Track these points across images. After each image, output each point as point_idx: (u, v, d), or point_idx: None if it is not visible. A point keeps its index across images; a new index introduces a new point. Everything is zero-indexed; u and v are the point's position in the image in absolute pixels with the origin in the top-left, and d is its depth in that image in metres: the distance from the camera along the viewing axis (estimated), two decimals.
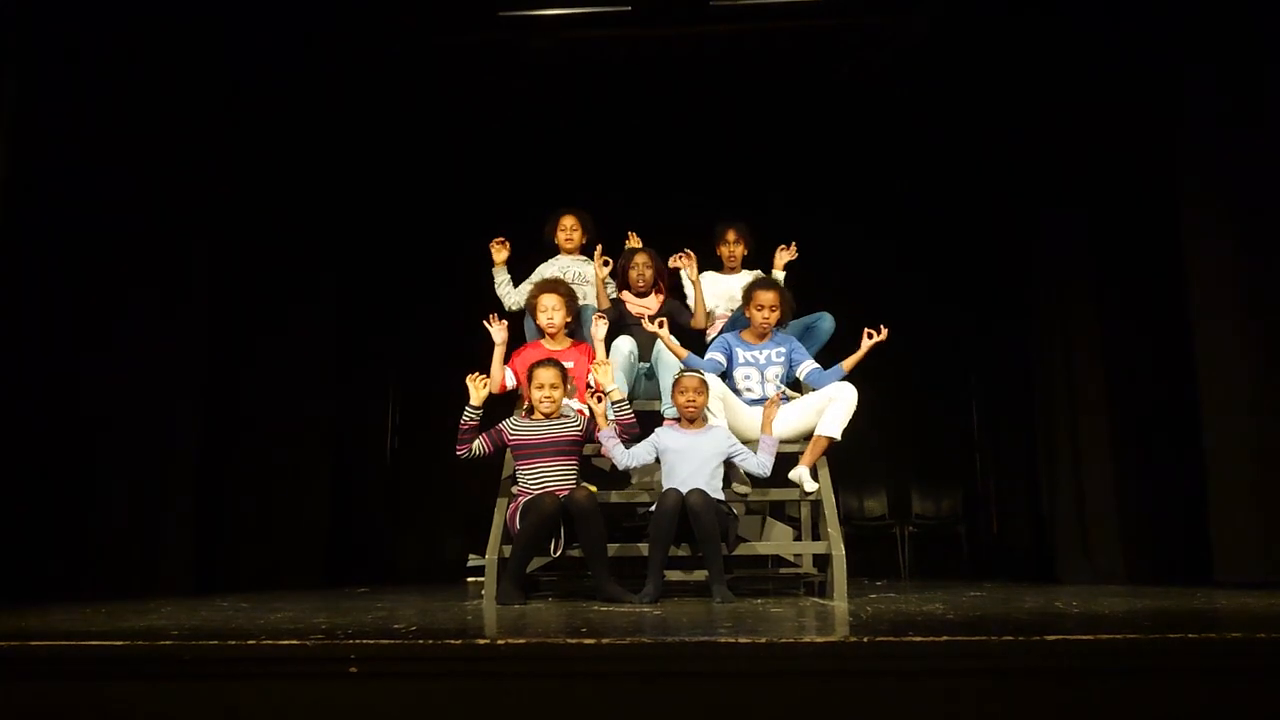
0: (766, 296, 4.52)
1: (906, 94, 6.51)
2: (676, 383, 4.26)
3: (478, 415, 4.21)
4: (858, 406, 4.33)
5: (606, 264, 5.01)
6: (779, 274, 4.97)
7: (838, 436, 4.31)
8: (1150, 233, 5.15)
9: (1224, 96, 4.75)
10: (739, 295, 4.80)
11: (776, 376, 4.54)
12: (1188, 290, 4.78)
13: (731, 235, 5.16)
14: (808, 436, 4.39)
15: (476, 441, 4.20)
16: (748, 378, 4.54)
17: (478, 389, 4.22)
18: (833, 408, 4.29)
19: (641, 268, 5.04)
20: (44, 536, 4.35)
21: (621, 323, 4.96)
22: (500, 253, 5.03)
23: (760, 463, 4.22)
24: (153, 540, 4.74)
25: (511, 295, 5.06)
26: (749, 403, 4.48)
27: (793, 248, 5.06)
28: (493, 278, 5.07)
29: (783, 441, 4.41)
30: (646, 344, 4.78)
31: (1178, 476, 4.99)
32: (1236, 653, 2.21)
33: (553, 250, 5.28)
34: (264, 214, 5.77)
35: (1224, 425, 4.62)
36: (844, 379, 4.43)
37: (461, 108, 6.79)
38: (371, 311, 6.98)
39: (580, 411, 4.41)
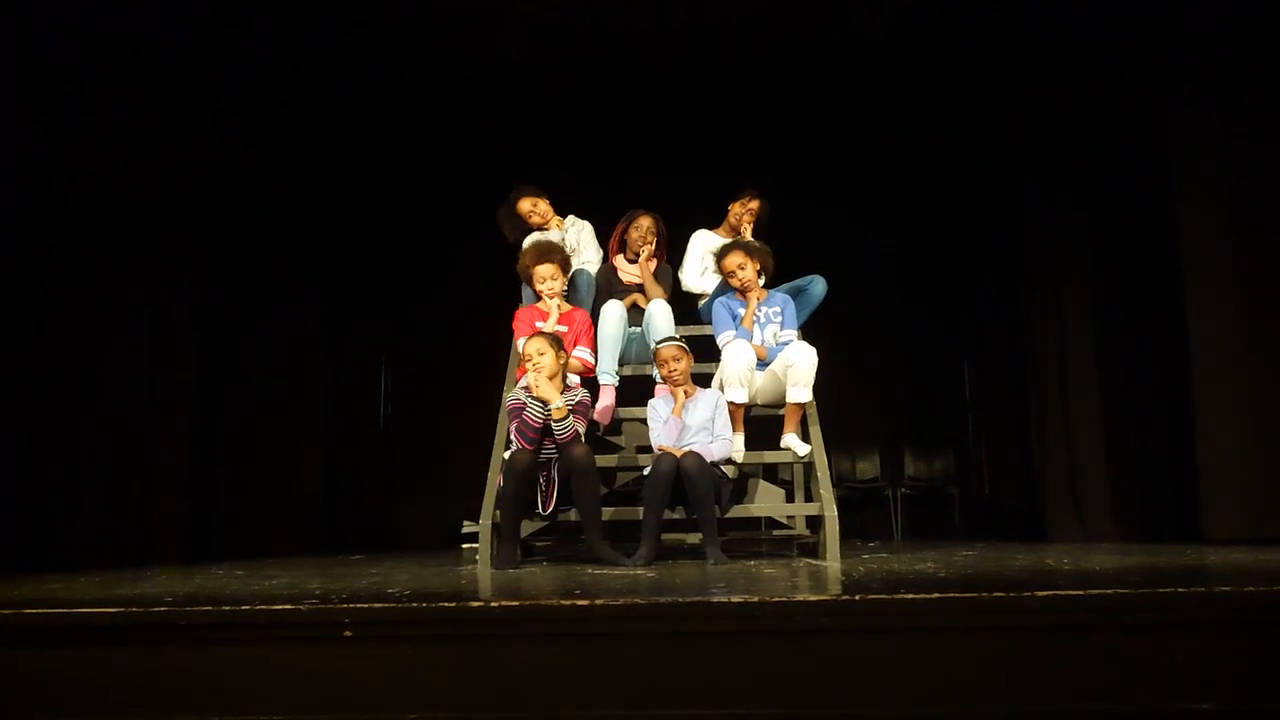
0: (728, 262, 4.58)
1: (900, 62, 6.43)
2: (655, 354, 4.27)
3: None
4: (850, 369, 4.34)
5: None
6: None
7: (807, 399, 4.34)
8: (1142, 194, 5.14)
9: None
10: None
11: (775, 334, 4.57)
12: (1179, 250, 4.78)
13: (747, 213, 5.12)
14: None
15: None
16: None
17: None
18: (792, 374, 4.31)
19: (645, 231, 5.01)
20: (38, 507, 4.35)
21: (611, 288, 4.94)
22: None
23: (716, 451, 4.10)
24: (147, 510, 4.74)
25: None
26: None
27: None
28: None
29: (764, 406, 4.51)
30: (636, 309, 4.76)
31: (1168, 436, 5.03)
32: (1225, 606, 2.22)
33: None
34: (258, 187, 5.71)
35: (1214, 385, 4.65)
36: (800, 339, 4.49)
37: (445, 81, 6.69)
38: (365, 280, 6.95)
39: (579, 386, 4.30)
